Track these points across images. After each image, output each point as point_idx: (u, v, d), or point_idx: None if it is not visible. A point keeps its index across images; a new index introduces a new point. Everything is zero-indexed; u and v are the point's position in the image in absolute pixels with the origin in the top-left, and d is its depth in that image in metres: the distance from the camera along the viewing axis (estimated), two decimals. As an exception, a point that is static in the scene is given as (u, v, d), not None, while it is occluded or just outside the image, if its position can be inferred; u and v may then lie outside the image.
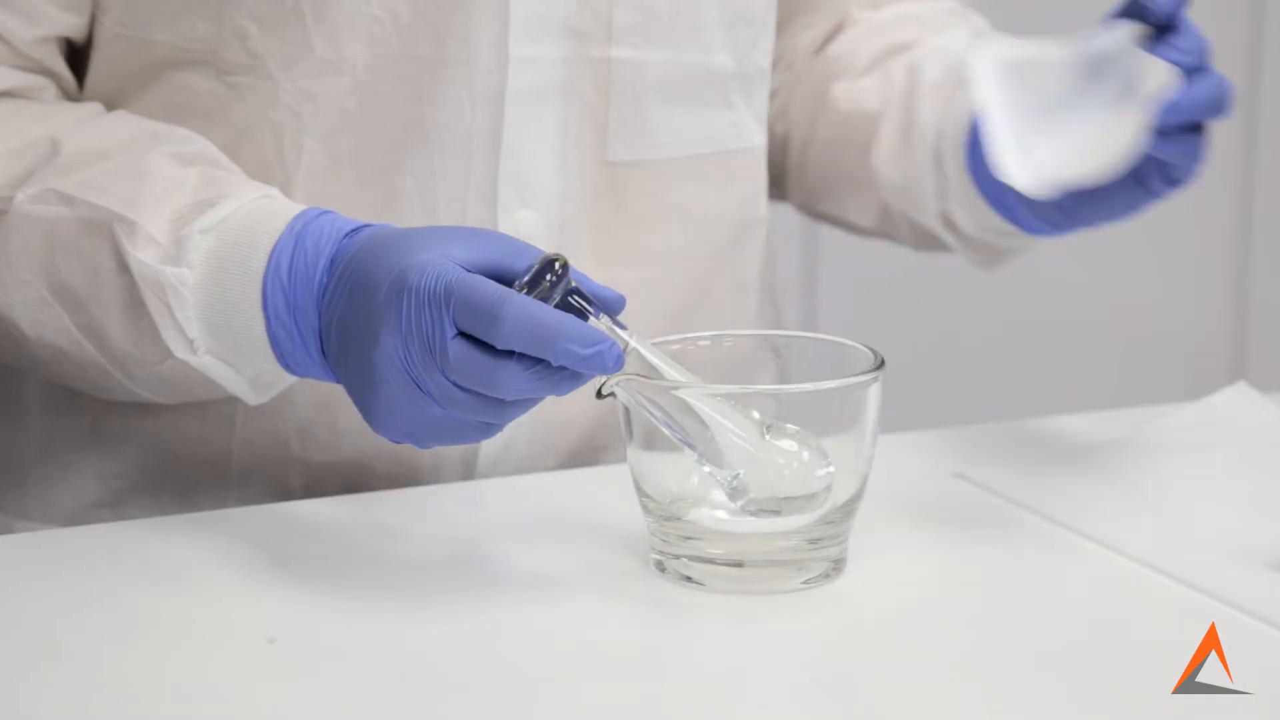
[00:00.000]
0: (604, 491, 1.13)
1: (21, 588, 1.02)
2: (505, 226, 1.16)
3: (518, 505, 1.15)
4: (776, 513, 1.00)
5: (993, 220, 1.20)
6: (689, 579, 1.02)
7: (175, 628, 0.97)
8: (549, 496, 1.17)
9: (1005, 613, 1.01)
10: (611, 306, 0.98)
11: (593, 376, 0.96)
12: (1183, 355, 2.63)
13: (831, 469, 1.00)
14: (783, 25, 1.30)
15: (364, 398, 0.99)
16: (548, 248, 1.13)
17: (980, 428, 1.29)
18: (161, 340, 1.06)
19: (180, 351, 1.06)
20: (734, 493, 0.99)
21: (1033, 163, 1.07)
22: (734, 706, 0.91)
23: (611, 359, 0.94)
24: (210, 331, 1.05)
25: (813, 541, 1.01)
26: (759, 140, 1.26)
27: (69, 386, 1.15)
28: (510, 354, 0.94)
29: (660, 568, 1.03)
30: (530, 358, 0.94)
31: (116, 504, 1.20)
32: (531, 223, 1.17)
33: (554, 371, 0.95)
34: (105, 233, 1.07)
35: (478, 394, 0.95)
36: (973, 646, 0.98)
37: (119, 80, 1.15)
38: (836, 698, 0.92)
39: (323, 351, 1.02)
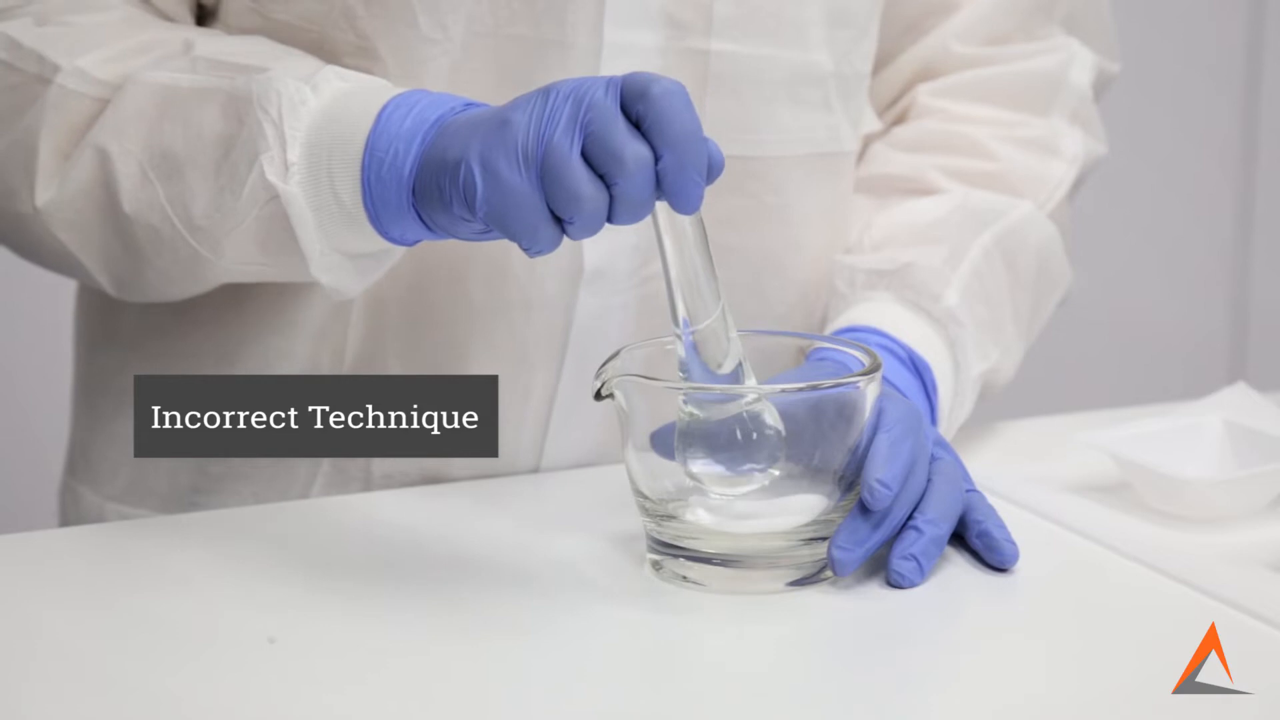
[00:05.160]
0: (602, 491, 1.13)
1: (21, 588, 1.02)
2: None
3: (515, 504, 1.15)
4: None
5: None
6: (685, 579, 1.02)
7: (175, 627, 0.97)
8: (546, 496, 1.17)
9: (1004, 612, 1.01)
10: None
11: (647, 211, 0.96)
12: (1183, 355, 2.63)
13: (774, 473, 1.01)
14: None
15: (465, 158, 0.97)
16: (635, 239, 1.14)
17: (979, 427, 1.29)
18: (242, 201, 1.05)
19: (273, 174, 1.04)
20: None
21: None
22: (731, 705, 0.91)
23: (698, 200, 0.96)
24: (310, 153, 1.04)
25: (808, 541, 1.01)
26: (853, 146, 1.25)
27: (167, 293, 1.16)
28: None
29: (656, 568, 1.03)
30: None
31: (212, 490, 1.21)
32: None
33: (644, 183, 0.95)
34: (217, 99, 1.07)
35: (584, 178, 0.95)
36: (971, 645, 0.98)
37: None
38: (834, 696, 0.92)
39: (413, 192, 1.00)
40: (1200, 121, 2.60)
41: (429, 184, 0.99)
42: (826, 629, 0.99)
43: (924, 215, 1.26)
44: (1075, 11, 1.34)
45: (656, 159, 0.95)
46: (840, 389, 1.00)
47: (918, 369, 1.18)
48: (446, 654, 0.95)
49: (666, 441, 1.01)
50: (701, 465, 1.00)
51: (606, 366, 1.01)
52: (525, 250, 0.97)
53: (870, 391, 1.00)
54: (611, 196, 0.95)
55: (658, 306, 1.19)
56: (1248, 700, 0.90)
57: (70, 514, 1.29)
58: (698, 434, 1.00)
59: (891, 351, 1.18)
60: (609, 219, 0.96)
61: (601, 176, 0.95)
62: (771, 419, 1.00)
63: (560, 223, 0.96)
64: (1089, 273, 2.47)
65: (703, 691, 0.92)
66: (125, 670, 0.93)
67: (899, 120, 1.34)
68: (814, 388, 1.00)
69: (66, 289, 1.34)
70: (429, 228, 1.01)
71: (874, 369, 1.01)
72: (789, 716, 0.89)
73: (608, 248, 1.17)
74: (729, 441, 1.00)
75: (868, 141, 1.32)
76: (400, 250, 1.07)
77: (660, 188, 0.95)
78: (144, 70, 1.10)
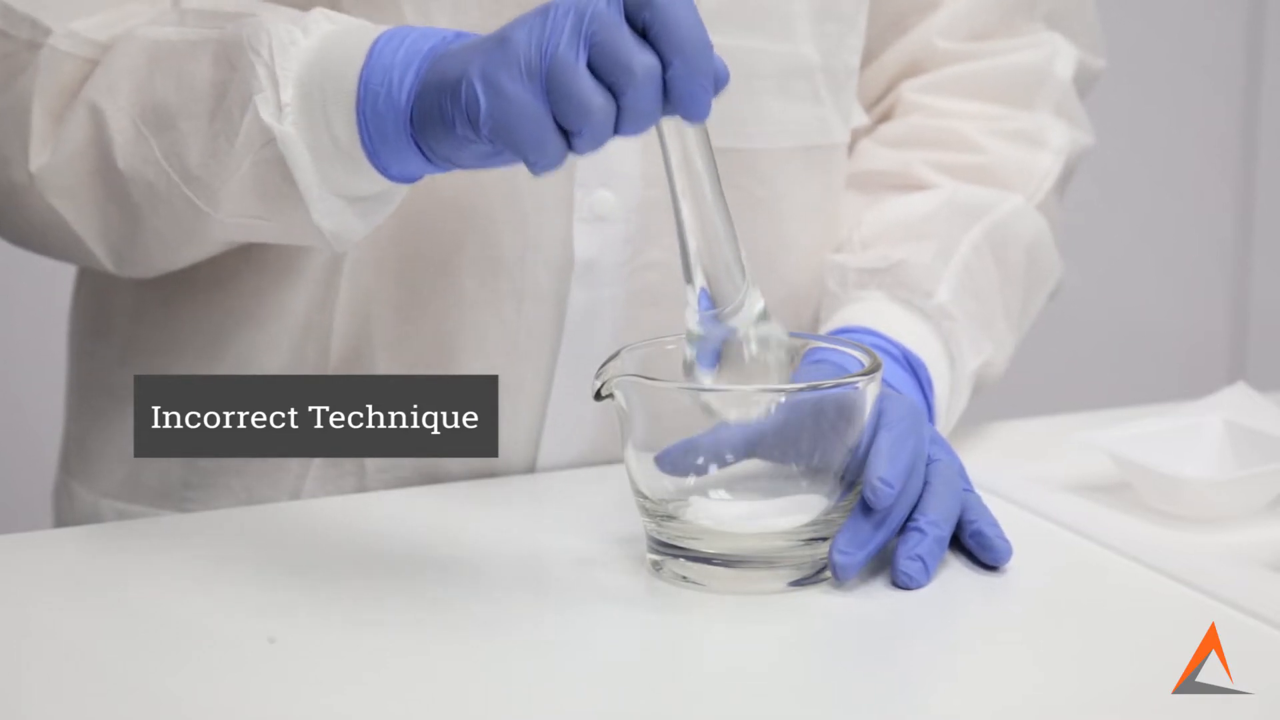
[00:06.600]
0: (601, 491, 1.13)
1: (20, 588, 1.02)
2: (583, 205, 1.16)
3: (515, 504, 1.15)
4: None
5: None
6: (685, 579, 1.02)
7: (175, 627, 0.97)
8: (545, 496, 1.17)
9: (1003, 612, 1.01)
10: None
11: (652, 119, 0.95)
12: (1183, 355, 2.63)
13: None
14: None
15: (466, 74, 0.96)
16: (626, 231, 1.12)
17: (976, 427, 1.29)
18: (237, 147, 1.05)
19: (267, 115, 1.04)
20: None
21: None
22: (731, 705, 0.91)
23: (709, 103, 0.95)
24: (303, 92, 1.03)
25: (809, 541, 1.01)
26: (843, 138, 1.25)
27: (164, 259, 1.15)
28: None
29: (656, 568, 1.03)
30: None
31: (204, 484, 1.21)
32: (609, 203, 1.16)
33: (654, 93, 0.94)
34: (208, 48, 1.07)
35: (592, 88, 0.94)
36: (971, 646, 0.98)
37: None
38: (834, 696, 0.92)
39: (411, 122, 1.00)
40: (1199, 120, 2.60)
41: (429, 107, 0.98)
42: (826, 629, 0.99)
43: (913, 211, 1.26)
44: (1059, 8, 1.34)
45: (664, 68, 0.94)
46: (840, 389, 1.00)
47: (913, 368, 1.18)
48: (446, 654, 0.95)
49: (673, 461, 1.01)
50: (711, 386, 0.99)
51: (606, 367, 1.01)
52: (531, 166, 0.96)
53: (870, 392, 1.00)
54: (619, 107, 0.95)
55: (650, 298, 1.19)
56: (1248, 700, 0.90)
57: (65, 511, 1.29)
58: (707, 356, 0.99)
59: (886, 351, 1.18)
60: (615, 130, 0.95)
61: (609, 88, 0.94)
62: (781, 333, 1.00)
63: (566, 137, 0.96)
64: (1089, 272, 2.48)
65: (703, 691, 0.92)
66: (124, 670, 0.93)
67: (885, 117, 1.34)
68: (814, 388, 1.00)
69: (62, 287, 1.34)
70: (430, 160, 1.01)
71: (874, 369, 1.01)
72: (789, 716, 0.89)
73: (599, 240, 1.17)
74: (738, 360, 0.99)
75: (855, 138, 1.32)
76: (402, 192, 1.06)
77: (668, 98, 0.95)
78: (137, 26, 1.10)
